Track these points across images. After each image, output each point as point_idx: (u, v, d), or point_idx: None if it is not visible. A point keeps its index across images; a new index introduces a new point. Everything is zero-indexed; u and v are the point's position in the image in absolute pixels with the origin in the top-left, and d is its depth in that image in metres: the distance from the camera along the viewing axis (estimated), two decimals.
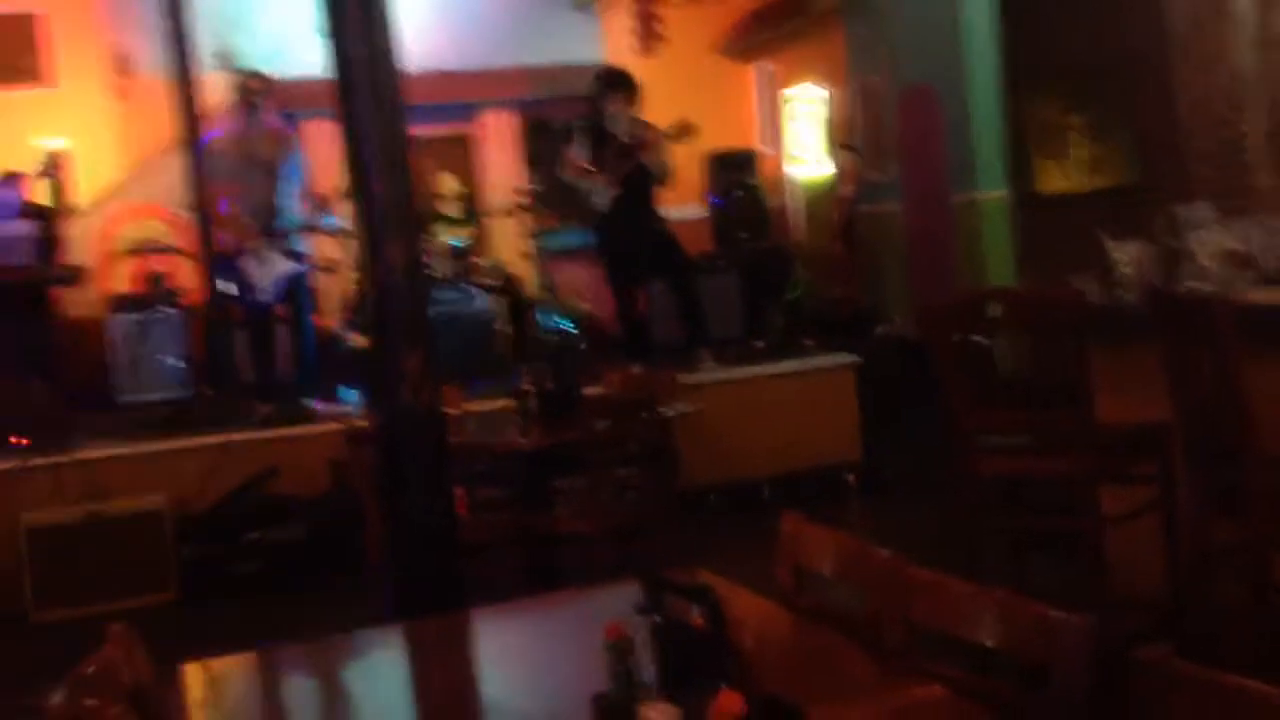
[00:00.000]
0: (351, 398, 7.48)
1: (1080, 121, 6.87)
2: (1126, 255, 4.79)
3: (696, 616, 1.90)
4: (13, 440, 6.68)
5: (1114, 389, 4.24)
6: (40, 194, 9.91)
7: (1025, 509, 4.68)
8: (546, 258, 9.93)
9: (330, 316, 9.60)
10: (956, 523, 4.63)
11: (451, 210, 10.34)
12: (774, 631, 2.37)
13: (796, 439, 7.23)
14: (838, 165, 10.24)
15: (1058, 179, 7.08)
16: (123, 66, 11.79)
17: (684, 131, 7.18)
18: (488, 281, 9.29)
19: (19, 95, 11.20)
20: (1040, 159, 7.31)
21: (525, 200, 10.36)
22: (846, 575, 2.47)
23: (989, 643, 2.08)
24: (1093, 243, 5.00)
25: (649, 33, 11.64)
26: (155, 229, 10.48)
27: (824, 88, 10.70)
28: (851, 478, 7.27)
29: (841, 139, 10.28)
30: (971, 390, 4.21)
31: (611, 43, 12.24)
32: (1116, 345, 4.51)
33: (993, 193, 8.66)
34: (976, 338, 4.25)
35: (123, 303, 9.56)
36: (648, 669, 1.92)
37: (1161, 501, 4.23)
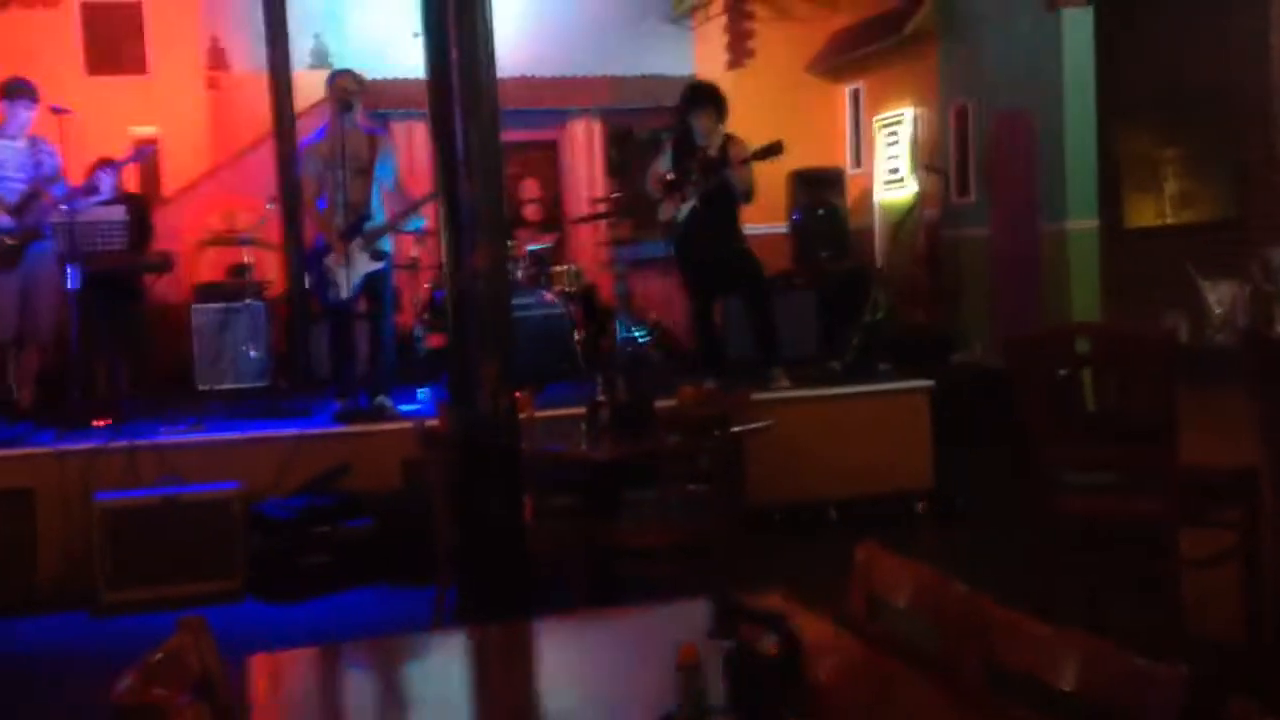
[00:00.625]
0: (427, 398, 7.53)
1: (1175, 153, 6.74)
2: (1218, 295, 4.68)
3: (770, 644, 1.87)
4: (95, 422, 6.81)
5: (1200, 430, 4.14)
6: (132, 181, 10.12)
7: (1103, 548, 4.57)
8: (624, 268, 9.95)
9: (409, 316, 9.69)
10: (1031, 558, 4.55)
11: (533, 216, 10.39)
12: (845, 662, 2.32)
13: (867, 463, 7.15)
14: (923, 188, 10.13)
15: (1149, 212, 6.94)
16: (217, 59, 12.00)
17: (771, 151, 7.13)
18: (564, 289, 9.31)
19: (116, 83, 11.43)
20: (1131, 191, 7.17)
21: (606, 209, 10.39)
22: (922, 608, 2.41)
23: (1068, 687, 2.02)
24: (1183, 280, 4.90)
25: (740, 48, 11.62)
26: (243, 221, 10.64)
27: (913, 109, 10.61)
28: (921, 505, 7.17)
29: (928, 161, 10.18)
30: (1054, 425, 4.13)
31: (702, 56, 12.24)
32: (1205, 386, 4.40)
33: (1083, 223, 8.52)
34: (1063, 372, 4.17)
35: (208, 292, 9.72)
36: (718, 694, 1.89)
37: (1244, 547, 4.12)
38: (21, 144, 7.19)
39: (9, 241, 7.04)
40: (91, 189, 7.09)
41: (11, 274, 7.12)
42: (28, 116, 7.20)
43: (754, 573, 5.05)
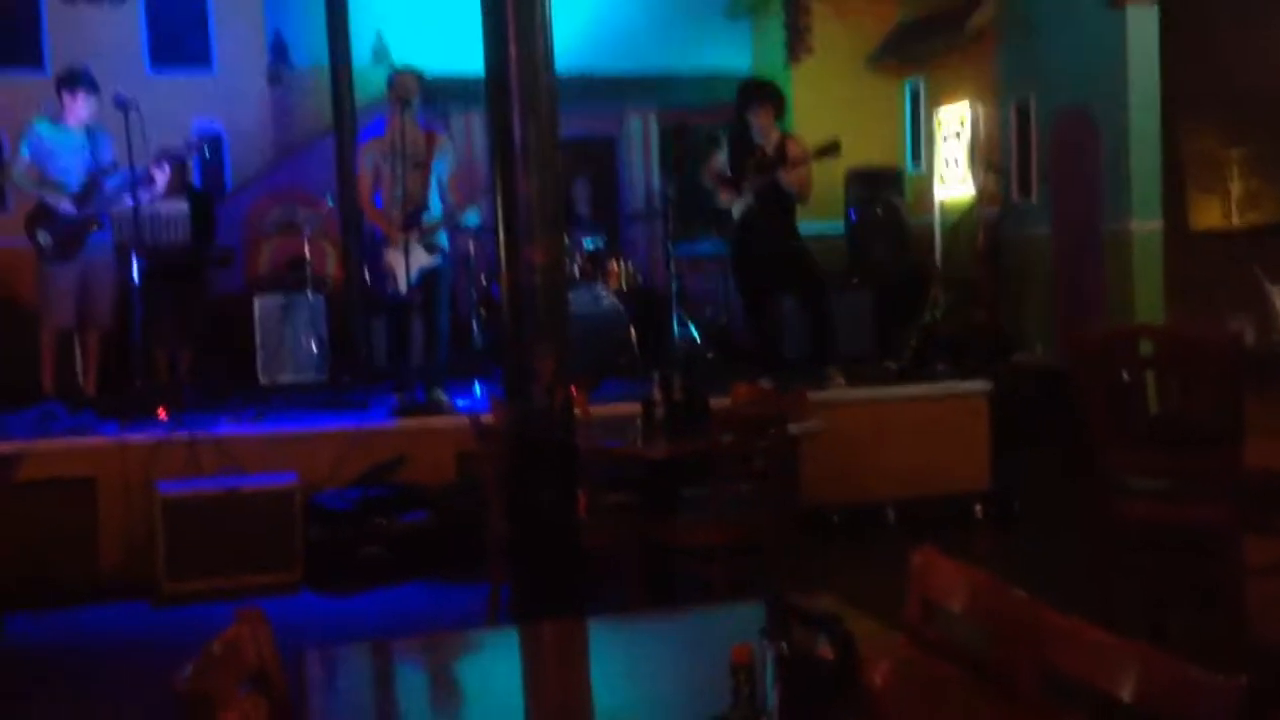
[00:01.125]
0: (482, 392, 7.56)
1: (1241, 153, 6.62)
2: None
3: (824, 647, 1.86)
4: (158, 412, 6.90)
5: (1264, 435, 4.07)
6: (196, 175, 10.25)
7: (1164, 554, 4.51)
8: (679, 264, 9.93)
9: (465, 310, 9.73)
10: (1090, 564, 4.49)
11: (588, 211, 10.40)
12: (900, 667, 2.30)
13: (924, 464, 7.09)
14: (983, 187, 10.03)
15: (1214, 213, 6.83)
16: (280, 54, 12.12)
17: (828, 151, 7.09)
18: (619, 285, 9.32)
19: (180, 77, 11.58)
20: (1196, 191, 7.06)
21: (661, 205, 10.38)
22: (978, 613, 2.39)
23: (1125, 696, 1.99)
24: (1249, 282, 4.82)
25: (799, 44, 11.56)
26: (302, 215, 10.74)
27: (974, 106, 10.50)
28: (979, 508, 7.10)
29: (988, 159, 10.08)
30: (1115, 428, 4.07)
31: (760, 52, 12.20)
32: (1270, 391, 4.33)
33: (1147, 223, 8.40)
34: (1125, 375, 4.11)
35: (267, 284, 9.83)
36: (771, 696, 1.88)
37: None
38: (80, 134, 7.28)
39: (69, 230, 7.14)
40: (147, 181, 7.16)
41: (71, 263, 7.21)
42: (86, 107, 7.28)
43: (808, 573, 5.02)
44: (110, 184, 7.28)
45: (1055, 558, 5.89)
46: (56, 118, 7.26)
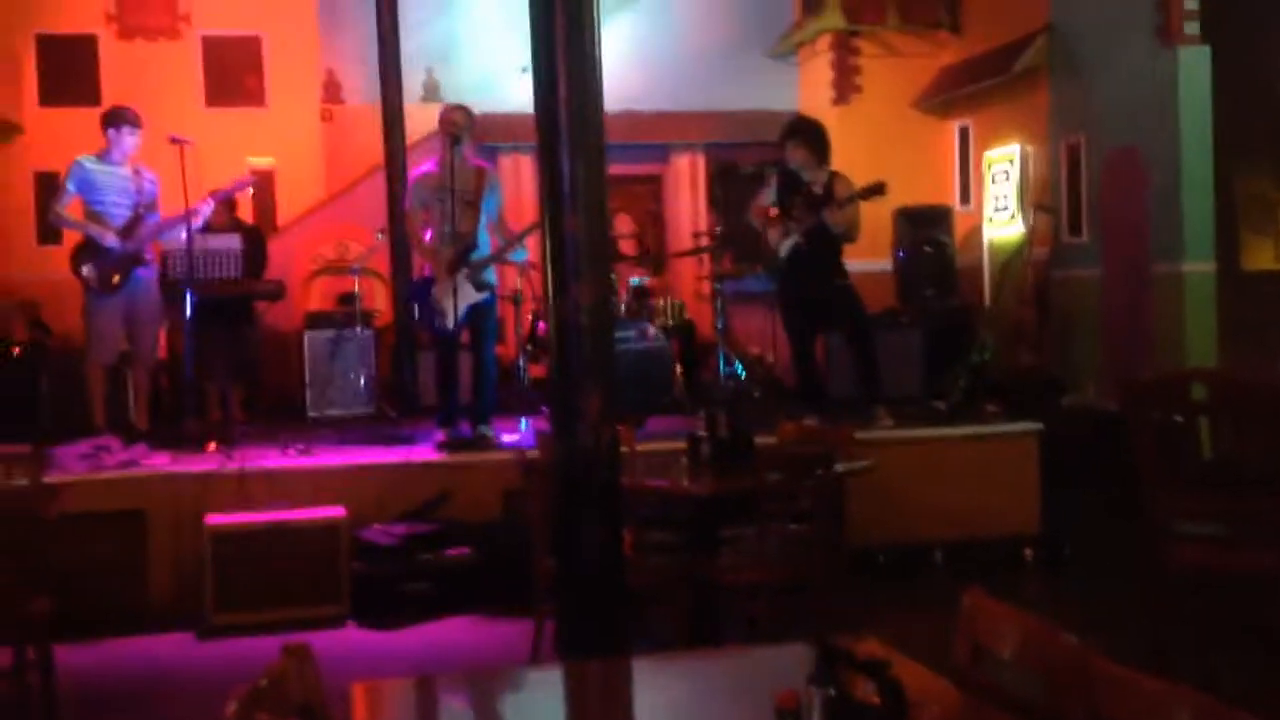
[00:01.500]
0: (528, 428, 7.58)
1: None
2: None
3: (872, 693, 1.84)
4: (208, 446, 6.97)
5: None
6: (248, 211, 10.39)
7: (1216, 600, 4.44)
8: (725, 301, 9.93)
9: (512, 347, 9.78)
10: (1141, 608, 4.43)
11: (635, 249, 10.44)
12: (948, 713, 2.27)
13: (972, 506, 7.02)
14: (1033, 226, 9.97)
15: (1267, 254, 6.77)
16: (333, 92, 12.29)
17: (873, 191, 7.08)
18: (665, 322, 9.33)
19: (234, 114, 11.76)
20: (1249, 232, 7.00)
21: (707, 243, 10.40)
22: (1028, 659, 2.36)
23: None
24: None
25: (846, 83, 11.58)
26: (353, 250, 10.86)
27: (1023, 146, 10.46)
28: (1029, 551, 7.02)
29: (1038, 199, 10.02)
30: (1168, 472, 4.02)
31: (807, 91, 12.22)
32: None
33: (1199, 265, 8.33)
34: (1178, 418, 4.06)
35: (317, 320, 9.92)
36: None
37: None
38: (125, 171, 7.37)
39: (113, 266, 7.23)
40: (189, 217, 7.24)
41: (115, 297, 7.29)
42: (131, 143, 7.37)
43: (855, 615, 4.98)
44: (154, 220, 7.38)
45: (1106, 602, 5.81)
46: (103, 154, 7.36)
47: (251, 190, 7.94)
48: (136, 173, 7.39)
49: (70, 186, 7.28)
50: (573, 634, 4.11)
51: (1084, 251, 9.60)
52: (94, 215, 7.27)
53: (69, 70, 11.58)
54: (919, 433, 7.33)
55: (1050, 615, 2.37)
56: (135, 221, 7.33)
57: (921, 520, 6.97)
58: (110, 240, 7.21)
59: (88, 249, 7.25)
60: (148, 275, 7.42)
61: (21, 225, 11.17)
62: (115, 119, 7.37)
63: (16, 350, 8.90)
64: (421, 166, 7.37)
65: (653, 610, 5.12)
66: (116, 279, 7.25)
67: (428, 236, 7.15)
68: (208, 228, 7.71)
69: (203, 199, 7.29)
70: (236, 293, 7.90)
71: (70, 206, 7.35)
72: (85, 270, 7.22)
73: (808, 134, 7.32)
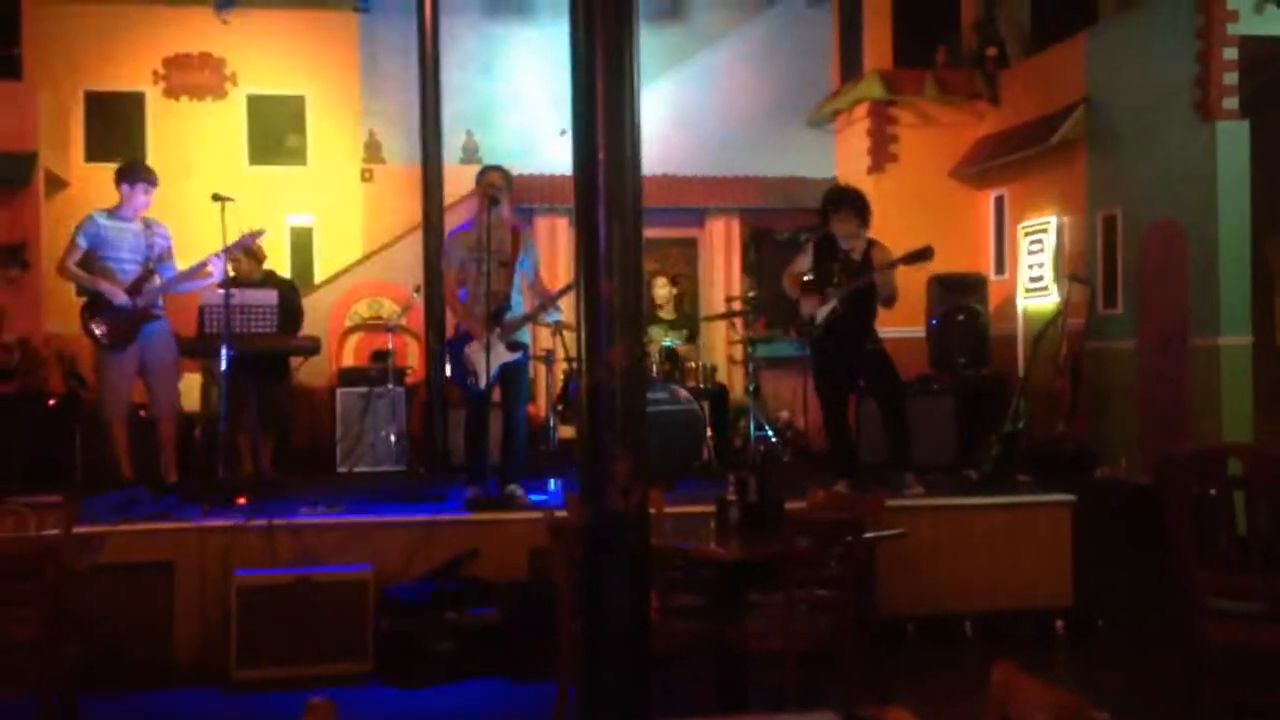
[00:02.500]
0: (557, 489, 7.57)
1: None
2: None
3: None
4: (238, 499, 6.98)
5: None
6: (284, 265, 10.50)
7: (1251, 679, 4.35)
8: (757, 365, 9.94)
9: (542, 407, 9.80)
10: (1174, 686, 4.35)
11: (667, 312, 10.47)
12: None
13: (1004, 577, 6.95)
14: (1068, 297, 9.94)
15: None
16: (373, 152, 12.45)
17: (920, 256, 7.09)
18: (697, 385, 9.33)
19: (276, 172, 11.93)
20: None
21: (740, 307, 10.42)
22: None
23: None
24: None
25: (882, 152, 11.64)
26: (388, 308, 10.95)
27: (1059, 216, 10.46)
28: (1060, 624, 6.93)
29: (1074, 271, 10.00)
30: (1203, 548, 3.97)
31: (843, 159, 12.29)
32: None
33: (1235, 339, 8.28)
34: (1213, 493, 4.02)
35: (350, 376, 9.98)
36: None
37: None
38: (136, 226, 7.39)
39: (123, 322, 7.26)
40: (201, 272, 7.28)
41: (127, 352, 7.29)
42: (145, 200, 7.39)
43: (883, 686, 4.93)
44: (167, 273, 7.41)
45: (1140, 679, 5.72)
46: (115, 209, 7.40)
47: (261, 240, 7.94)
48: (147, 227, 7.41)
49: (81, 241, 7.26)
50: (597, 698, 4.07)
51: (1119, 323, 9.55)
52: (104, 270, 7.25)
53: (116, 127, 11.80)
54: (951, 501, 7.27)
55: (1082, 690, 2.33)
56: (145, 277, 7.33)
57: (952, 590, 6.90)
58: (120, 299, 7.20)
59: (98, 305, 7.23)
60: (160, 328, 7.41)
61: (61, 278, 11.31)
62: (130, 174, 7.41)
63: (51, 402, 8.98)
64: (458, 226, 7.43)
65: (678, 675, 5.07)
66: (127, 335, 7.25)
67: (462, 296, 7.20)
68: (235, 282, 7.75)
69: (214, 254, 7.29)
70: (272, 347, 7.95)
71: (81, 262, 7.34)
72: (95, 327, 7.22)
73: (856, 203, 7.34)
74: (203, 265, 7.27)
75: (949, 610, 6.88)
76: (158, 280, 7.36)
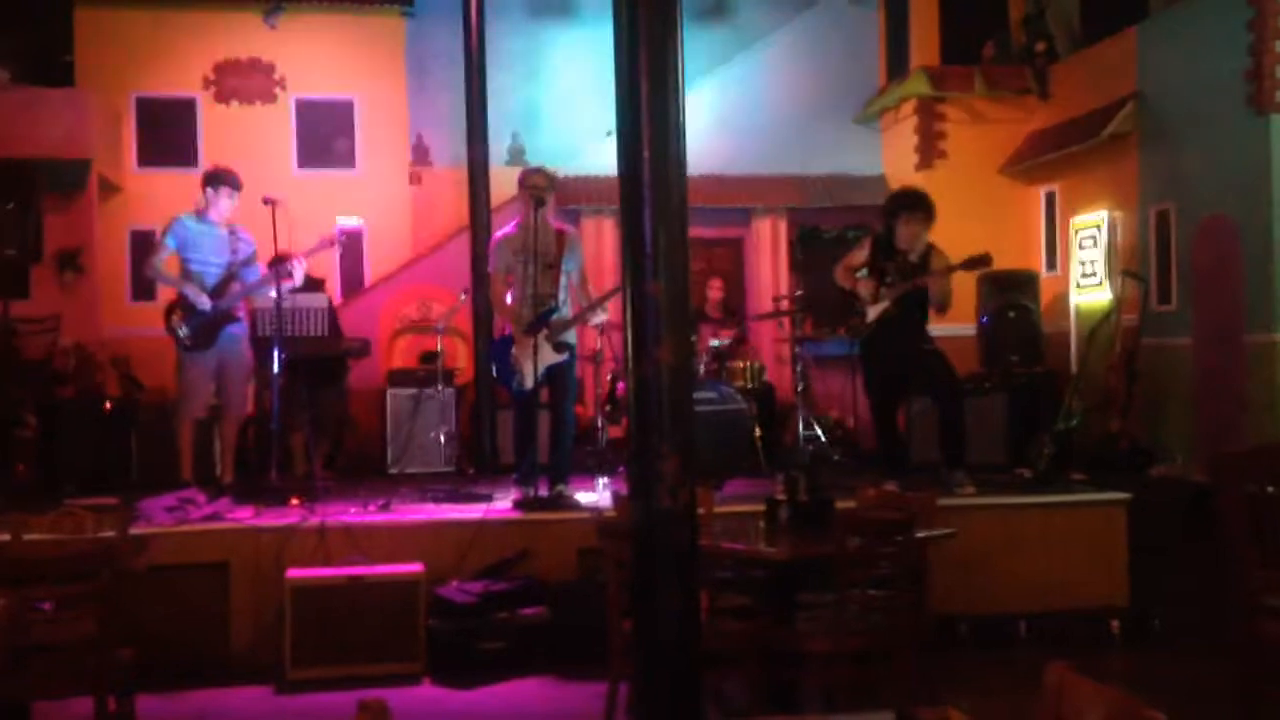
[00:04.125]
0: (606, 488, 7.58)
1: None
2: None
3: None
4: (291, 500, 7.05)
5: None
6: (329, 269, 10.58)
7: None
8: (805, 364, 9.90)
9: (590, 407, 9.81)
10: (1232, 687, 4.29)
11: (715, 311, 10.46)
12: None
13: (1058, 577, 6.87)
14: (1121, 293, 9.83)
15: None
16: (421, 155, 12.53)
17: (978, 263, 7.04)
18: (745, 384, 9.31)
19: (325, 176, 12.03)
20: None
21: (788, 306, 10.39)
22: None
23: None
24: None
25: (931, 149, 11.56)
26: (437, 310, 11.01)
27: (1111, 212, 10.34)
28: (1115, 624, 6.85)
29: (1127, 266, 9.89)
30: (1260, 546, 3.91)
31: (891, 157, 12.22)
32: None
33: None
34: (1271, 490, 3.96)
35: (400, 377, 10.05)
36: None
37: None
38: (222, 230, 7.52)
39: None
40: (285, 275, 7.36)
41: (207, 354, 7.42)
42: (229, 205, 7.52)
43: (935, 686, 4.89)
44: (251, 277, 7.52)
45: (1196, 680, 5.64)
46: (201, 212, 7.53)
47: (339, 247, 8.02)
48: (232, 233, 7.54)
49: (170, 242, 7.43)
50: (648, 698, 4.07)
51: (1174, 319, 9.44)
52: (189, 273, 7.42)
53: (167, 132, 11.95)
54: (1004, 500, 7.20)
55: (1138, 692, 2.30)
56: (228, 280, 7.47)
57: (1005, 590, 6.83)
58: (204, 303, 7.33)
59: (182, 307, 7.39)
60: (239, 331, 7.55)
61: (116, 282, 11.49)
62: (216, 179, 7.55)
63: (108, 405, 9.11)
64: (504, 229, 7.46)
65: (728, 676, 5.06)
66: (209, 338, 7.39)
67: (509, 298, 7.22)
68: (308, 287, 7.84)
69: (295, 257, 7.38)
70: (324, 350, 8.01)
71: (167, 262, 7.51)
72: (180, 328, 7.36)
73: (926, 208, 7.29)
74: (285, 269, 7.33)
75: (1003, 610, 6.81)
76: (239, 285, 7.48)
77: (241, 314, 7.59)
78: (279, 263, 7.24)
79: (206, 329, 7.38)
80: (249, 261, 7.56)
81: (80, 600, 4.57)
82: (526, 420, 7.30)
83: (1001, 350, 10.19)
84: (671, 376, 3.93)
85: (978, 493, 7.17)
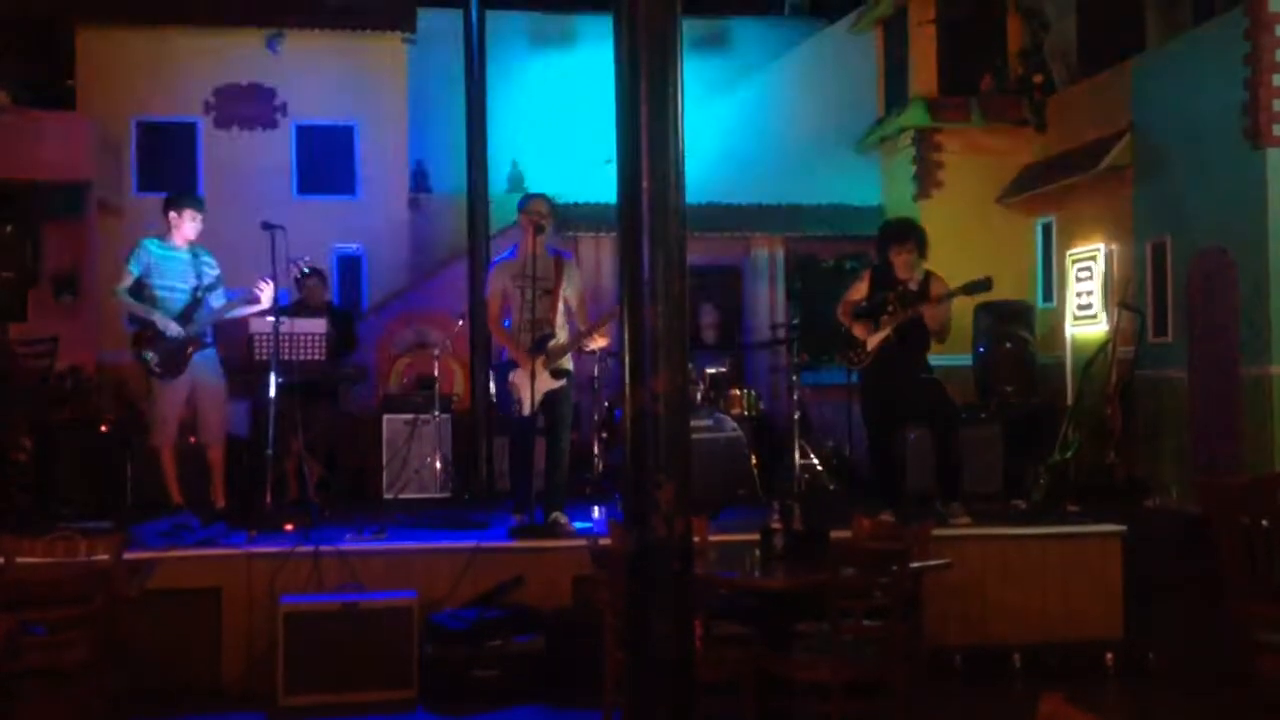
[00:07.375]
0: (601, 516, 7.57)
1: None
2: None
3: None
4: (285, 526, 7.02)
5: None
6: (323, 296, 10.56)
7: None
8: (802, 393, 9.90)
9: (587, 434, 9.81)
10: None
11: (712, 339, 10.47)
12: None
13: (1052, 609, 6.86)
14: (1117, 325, 9.85)
15: None
16: (420, 181, 12.57)
17: (979, 286, 7.05)
18: (741, 412, 9.30)
19: (324, 201, 12.06)
20: None
21: (785, 335, 10.40)
22: None
23: None
24: None
25: (928, 179, 11.61)
26: (434, 335, 11.02)
27: (1107, 244, 10.38)
28: (1109, 656, 6.83)
29: (1123, 298, 9.91)
30: (1255, 579, 3.91)
31: (889, 187, 12.27)
32: None
33: None
34: (1265, 524, 3.96)
35: (396, 402, 10.04)
36: None
37: None
38: (186, 254, 7.42)
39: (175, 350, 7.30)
40: (250, 300, 7.32)
41: (177, 381, 7.33)
42: (193, 227, 7.41)
43: (930, 717, 4.88)
44: (217, 300, 7.46)
45: (1191, 712, 5.63)
46: (165, 237, 7.42)
47: (306, 269, 7.95)
48: (195, 255, 7.45)
49: (133, 269, 7.29)
50: None
51: (1170, 351, 9.46)
52: (154, 299, 7.30)
53: (167, 157, 11.99)
54: (999, 531, 7.19)
55: None
56: (194, 305, 7.38)
57: (1000, 622, 6.82)
58: (172, 330, 7.25)
59: (150, 334, 7.28)
60: (209, 355, 7.45)
61: (114, 306, 11.46)
62: (178, 203, 7.44)
63: (103, 429, 9.09)
64: (502, 254, 7.47)
65: (722, 704, 5.04)
66: (178, 364, 7.29)
67: (506, 323, 7.23)
68: (286, 310, 7.79)
69: (259, 283, 7.31)
70: (320, 375, 7.99)
71: (131, 289, 7.38)
72: (147, 355, 7.27)
73: (919, 238, 7.31)
74: (252, 292, 7.30)
75: (997, 641, 6.80)
76: (206, 308, 7.42)
77: (209, 338, 7.50)
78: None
79: (175, 355, 7.26)
80: (214, 286, 7.50)
81: (73, 625, 4.55)
82: (523, 447, 7.29)
83: (997, 381, 10.20)
84: (668, 404, 3.93)
85: (973, 523, 7.16)
